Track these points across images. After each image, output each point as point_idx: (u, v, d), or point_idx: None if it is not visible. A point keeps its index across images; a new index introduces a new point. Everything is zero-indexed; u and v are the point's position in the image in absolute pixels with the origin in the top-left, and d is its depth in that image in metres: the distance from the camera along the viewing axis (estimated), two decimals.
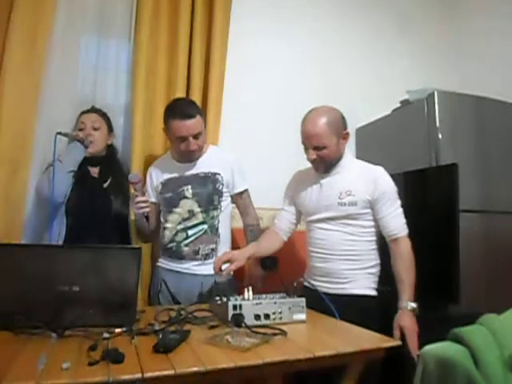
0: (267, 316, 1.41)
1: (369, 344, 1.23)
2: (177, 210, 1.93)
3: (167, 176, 1.98)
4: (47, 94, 2.05)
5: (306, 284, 1.80)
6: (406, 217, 1.68)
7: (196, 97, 2.27)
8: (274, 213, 2.15)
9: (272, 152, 2.51)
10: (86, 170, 1.94)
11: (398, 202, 1.68)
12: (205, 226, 1.93)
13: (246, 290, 1.50)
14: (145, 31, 2.20)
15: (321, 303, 1.58)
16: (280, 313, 1.43)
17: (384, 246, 1.72)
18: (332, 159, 1.70)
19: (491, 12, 2.86)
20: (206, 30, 2.36)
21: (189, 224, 1.93)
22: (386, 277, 1.68)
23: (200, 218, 1.93)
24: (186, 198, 1.93)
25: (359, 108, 2.78)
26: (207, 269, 1.85)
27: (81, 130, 1.96)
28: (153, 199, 2.00)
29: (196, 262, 1.91)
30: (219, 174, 1.96)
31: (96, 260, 1.35)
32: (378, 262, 1.73)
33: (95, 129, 1.98)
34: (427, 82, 2.46)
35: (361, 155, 2.79)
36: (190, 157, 1.94)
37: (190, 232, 1.93)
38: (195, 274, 1.90)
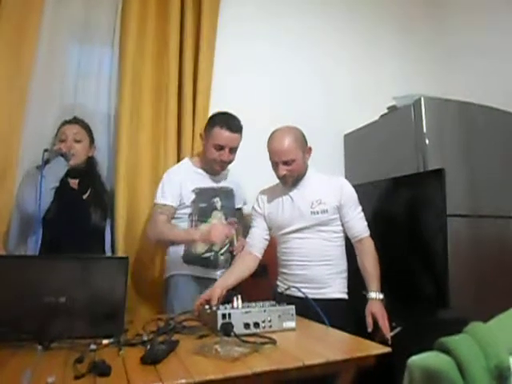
0: (257, 324, 1.40)
1: (359, 351, 1.22)
2: (210, 220, 1.98)
3: (199, 185, 2.00)
4: (33, 103, 2.04)
5: (287, 293, 1.79)
6: (394, 222, 1.73)
7: (187, 102, 2.28)
8: None
9: (261, 157, 2.50)
10: (65, 182, 1.88)
11: (360, 208, 1.85)
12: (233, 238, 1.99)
13: (235, 298, 1.49)
14: (131, 37, 2.19)
15: (302, 310, 1.57)
16: (270, 321, 1.42)
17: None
18: (299, 173, 1.83)
19: (479, 10, 2.88)
20: (194, 34, 2.36)
21: None
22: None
23: None
24: (216, 209, 2.01)
25: (347, 114, 2.81)
26: None
27: (62, 141, 1.90)
28: (173, 203, 1.96)
29: (225, 270, 1.96)
30: (234, 190, 2.11)
31: (82, 270, 1.33)
32: (346, 267, 1.85)
33: (77, 141, 1.92)
34: (416, 88, 2.48)
35: (349, 161, 2.81)
36: (219, 167, 2.00)
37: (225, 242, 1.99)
38: None
